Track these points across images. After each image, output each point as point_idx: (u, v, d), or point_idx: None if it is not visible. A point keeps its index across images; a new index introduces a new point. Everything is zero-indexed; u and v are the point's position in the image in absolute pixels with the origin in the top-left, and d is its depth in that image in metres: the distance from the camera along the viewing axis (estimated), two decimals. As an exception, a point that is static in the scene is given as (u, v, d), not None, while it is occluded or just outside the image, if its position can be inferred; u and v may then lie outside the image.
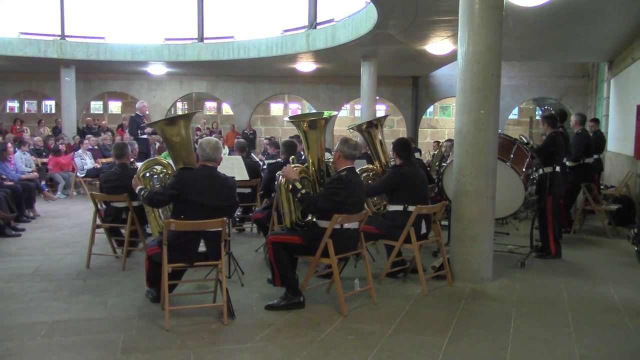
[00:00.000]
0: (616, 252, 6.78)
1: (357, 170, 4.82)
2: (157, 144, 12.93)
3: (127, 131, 12.40)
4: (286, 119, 4.87)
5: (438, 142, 14.48)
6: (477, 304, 4.71)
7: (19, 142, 10.60)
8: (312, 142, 4.68)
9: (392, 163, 5.62)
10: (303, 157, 5.69)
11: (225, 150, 12.63)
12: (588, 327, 4.20)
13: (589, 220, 8.51)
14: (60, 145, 11.90)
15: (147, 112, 12.15)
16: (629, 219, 8.20)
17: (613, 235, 7.64)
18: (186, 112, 21.79)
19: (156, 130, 5.52)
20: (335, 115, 17.97)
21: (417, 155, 10.08)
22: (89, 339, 3.85)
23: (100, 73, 17.08)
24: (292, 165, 4.62)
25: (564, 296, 4.93)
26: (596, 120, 9.33)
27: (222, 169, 4.52)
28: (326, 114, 4.80)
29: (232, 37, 13.95)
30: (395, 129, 20.68)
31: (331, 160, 4.86)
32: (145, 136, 11.16)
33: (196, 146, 4.51)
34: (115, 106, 21.79)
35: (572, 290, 5.11)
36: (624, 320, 4.35)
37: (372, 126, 5.78)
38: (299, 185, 4.45)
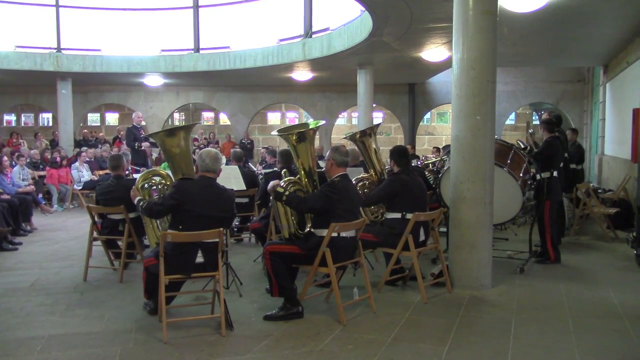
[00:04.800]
0: (615, 256, 6.76)
1: (353, 180, 4.81)
2: (155, 156, 12.91)
3: (124, 142, 12.39)
4: (274, 132, 4.92)
5: (437, 148, 14.46)
6: (476, 311, 4.69)
7: (17, 156, 10.57)
8: (302, 153, 4.68)
9: (387, 170, 5.61)
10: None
11: (223, 160, 12.60)
12: (589, 332, 4.18)
13: (587, 224, 8.50)
14: (57, 157, 11.88)
15: (142, 123, 12.13)
16: (628, 222, 8.19)
17: (612, 239, 7.63)
18: (183, 122, 21.76)
19: (156, 141, 5.50)
20: (332, 124, 17.97)
21: (414, 162, 10.05)
22: (86, 353, 3.82)
23: (97, 85, 17.07)
24: (284, 179, 4.62)
25: (564, 302, 4.91)
26: (575, 130, 9.25)
27: (219, 179, 4.50)
28: (312, 124, 4.81)
29: (228, 47, 13.96)
30: (393, 136, 20.67)
31: (324, 169, 4.85)
32: (142, 147, 11.12)
33: (194, 157, 4.49)
34: (112, 118, 21.76)
35: (572, 295, 5.09)
36: (624, 325, 4.32)
37: (365, 135, 5.79)
38: (280, 190, 4.45)
